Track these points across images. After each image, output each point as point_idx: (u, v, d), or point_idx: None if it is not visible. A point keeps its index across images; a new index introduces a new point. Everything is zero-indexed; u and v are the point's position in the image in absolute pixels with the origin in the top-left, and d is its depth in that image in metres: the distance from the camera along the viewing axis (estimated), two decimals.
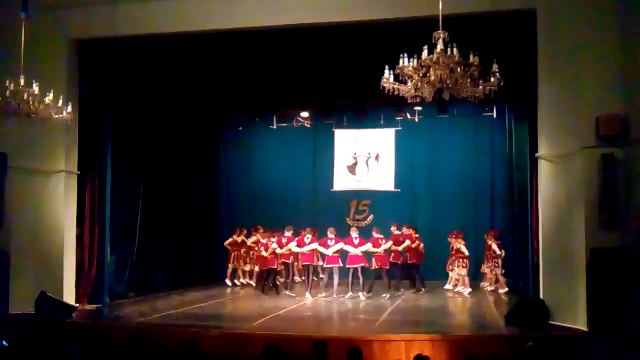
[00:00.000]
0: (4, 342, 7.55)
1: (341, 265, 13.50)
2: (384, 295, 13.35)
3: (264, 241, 14.56)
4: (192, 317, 11.46)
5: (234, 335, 9.76)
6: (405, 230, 14.41)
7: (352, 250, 13.31)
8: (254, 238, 15.72)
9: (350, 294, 13.39)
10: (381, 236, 13.72)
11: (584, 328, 9.40)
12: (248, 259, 16.11)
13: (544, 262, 10.53)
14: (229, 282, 16.03)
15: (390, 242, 13.74)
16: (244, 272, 16.30)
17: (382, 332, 9.79)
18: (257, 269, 15.75)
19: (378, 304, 12.72)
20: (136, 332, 9.37)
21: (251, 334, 9.72)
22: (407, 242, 14.00)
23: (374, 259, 13.54)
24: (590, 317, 9.31)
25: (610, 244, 9.35)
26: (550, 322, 9.96)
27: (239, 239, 16.11)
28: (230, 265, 16.13)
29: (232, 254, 16.08)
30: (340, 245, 13.40)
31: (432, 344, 8.95)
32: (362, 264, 13.38)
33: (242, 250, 16.10)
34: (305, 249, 13.66)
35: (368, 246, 13.41)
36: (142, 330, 9.67)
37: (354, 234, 13.60)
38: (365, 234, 14.35)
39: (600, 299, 9.21)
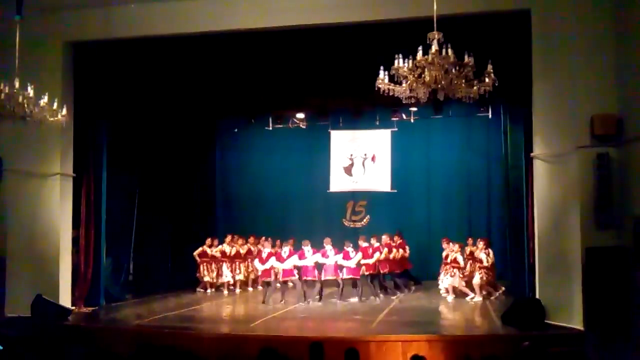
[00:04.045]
0: None
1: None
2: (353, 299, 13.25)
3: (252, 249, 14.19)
4: (189, 319, 11.46)
5: (230, 337, 9.76)
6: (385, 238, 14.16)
7: (349, 264, 13.21)
8: (219, 248, 15.30)
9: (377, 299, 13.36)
10: (367, 244, 13.58)
11: (580, 327, 9.42)
12: (217, 269, 15.25)
13: (540, 261, 10.55)
14: (201, 290, 15.32)
15: (360, 255, 13.30)
16: (211, 284, 15.35)
17: (379, 333, 9.78)
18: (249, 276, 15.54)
19: (374, 305, 12.72)
20: (137, 337, 9.39)
21: (248, 335, 9.71)
22: (377, 254, 13.50)
23: (364, 267, 13.47)
24: (586, 316, 9.34)
25: (606, 243, 9.38)
26: (546, 321, 9.97)
27: (210, 251, 15.31)
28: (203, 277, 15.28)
29: (201, 265, 15.26)
30: (339, 257, 13.25)
31: (429, 345, 8.96)
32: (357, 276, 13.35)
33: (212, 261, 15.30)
34: (308, 262, 13.24)
35: (359, 256, 13.25)
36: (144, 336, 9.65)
37: (347, 248, 13.41)
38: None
39: (596, 298, 9.25)
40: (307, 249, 13.35)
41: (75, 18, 12.05)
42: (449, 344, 9.10)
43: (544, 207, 10.48)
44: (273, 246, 14.35)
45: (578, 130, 9.74)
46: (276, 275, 13.45)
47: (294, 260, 13.28)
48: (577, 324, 9.51)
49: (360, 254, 13.33)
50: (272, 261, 13.34)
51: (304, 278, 13.27)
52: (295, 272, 13.41)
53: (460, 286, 13.54)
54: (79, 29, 12.07)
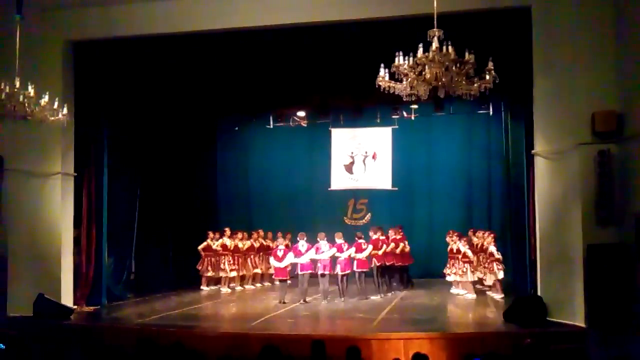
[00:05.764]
0: (1, 345, 7.53)
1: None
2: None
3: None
4: (191, 318, 11.47)
5: (232, 335, 9.76)
6: (391, 233, 14.27)
7: (359, 256, 13.26)
8: (220, 242, 15.29)
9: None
10: (363, 240, 13.51)
11: (582, 324, 9.41)
12: (220, 264, 15.24)
13: (542, 259, 10.54)
14: (204, 288, 15.33)
15: (371, 247, 13.45)
16: (212, 279, 15.44)
17: (381, 331, 9.79)
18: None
19: (376, 303, 12.72)
20: (139, 336, 9.37)
21: (249, 334, 9.72)
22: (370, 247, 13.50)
23: (374, 259, 13.51)
24: (587, 313, 9.33)
25: (607, 240, 9.37)
26: (548, 318, 9.98)
27: (214, 244, 15.36)
28: (208, 273, 15.35)
29: (206, 259, 15.32)
30: (352, 250, 13.27)
31: (430, 342, 8.96)
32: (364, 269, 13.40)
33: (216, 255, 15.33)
34: (325, 256, 13.09)
35: (370, 248, 13.29)
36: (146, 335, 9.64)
37: (360, 240, 13.45)
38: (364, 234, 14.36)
39: (597, 295, 9.24)
40: (324, 242, 13.22)
41: (75, 17, 12.04)
42: (450, 341, 9.09)
43: (545, 204, 10.47)
44: (283, 237, 14.26)
45: (579, 126, 9.73)
46: (292, 271, 13.25)
47: (312, 255, 13.12)
48: (579, 321, 9.50)
49: (371, 246, 13.36)
50: (291, 257, 13.20)
51: (321, 272, 13.10)
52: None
53: (467, 285, 13.55)
54: (79, 28, 12.06)
